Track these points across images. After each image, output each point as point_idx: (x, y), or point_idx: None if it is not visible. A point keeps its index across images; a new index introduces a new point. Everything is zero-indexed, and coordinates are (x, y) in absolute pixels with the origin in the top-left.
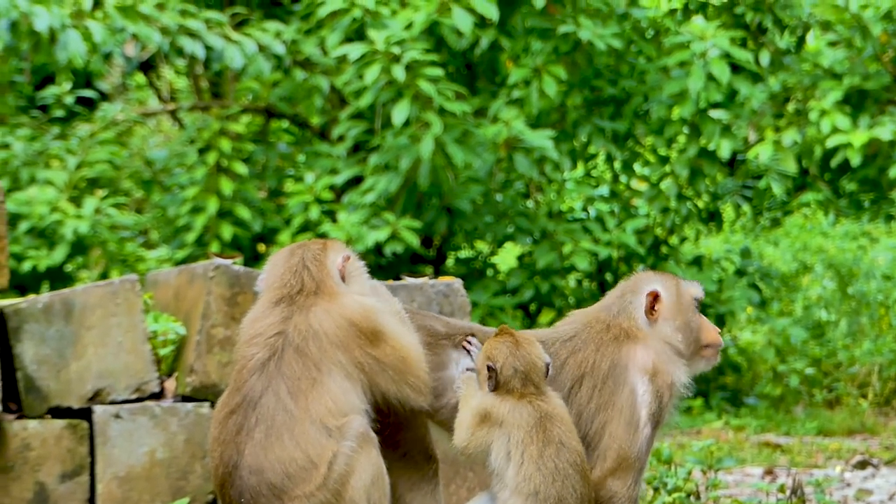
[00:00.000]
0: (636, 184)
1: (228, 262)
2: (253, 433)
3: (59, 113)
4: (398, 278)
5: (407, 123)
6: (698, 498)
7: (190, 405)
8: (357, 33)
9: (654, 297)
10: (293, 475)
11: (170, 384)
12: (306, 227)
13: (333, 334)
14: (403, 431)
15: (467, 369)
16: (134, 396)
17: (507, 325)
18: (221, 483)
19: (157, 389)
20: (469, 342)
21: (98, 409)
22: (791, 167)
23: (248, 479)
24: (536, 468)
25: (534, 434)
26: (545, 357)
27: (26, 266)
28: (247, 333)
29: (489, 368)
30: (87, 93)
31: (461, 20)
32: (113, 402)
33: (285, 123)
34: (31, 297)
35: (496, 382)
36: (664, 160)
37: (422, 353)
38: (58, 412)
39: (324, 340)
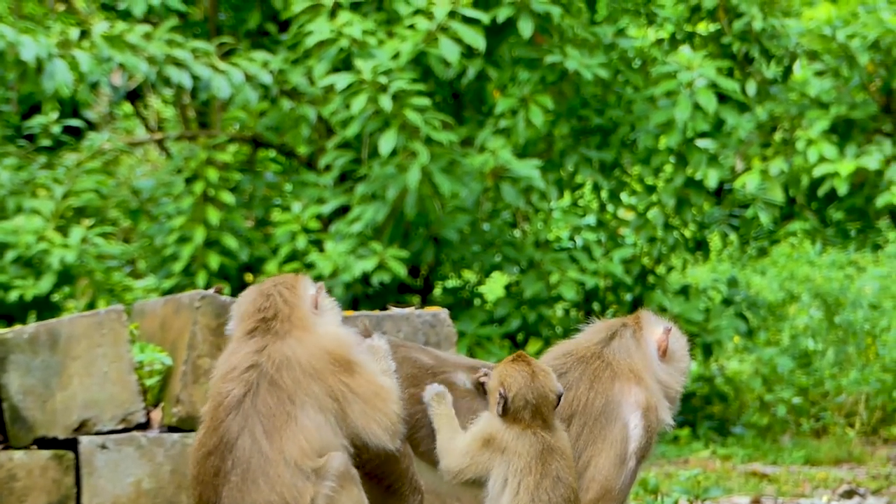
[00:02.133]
0: (623, 213)
1: (211, 291)
2: (229, 476)
3: (45, 142)
4: (384, 308)
5: (394, 153)
6: None
7: (176, 435)
8: (344, 63)
9: (668, 336)
10: None
11: (156, 414)
12: (293, 257)
13: (307, 363)
14: (388, 464)
15: (436, 391)
16: (120, 427)
17: (524, 353)
18: None
19: (143, 420)
20: (486, 374)
21: (84, 440)
22: (778, 196)
23: None
24: (531, 499)
25: (533, 465)
26: (558, 388)
27: (13, 296)
28: (221, 369)
29: (500, 395)
30: (74, 122)
31: (448, 50)
32: (99, 433)
33: (272, 153)
34: (17, 327)
35: (505, 410)
36: (651, 189)
37: (397, 395)
38: (43, 443)
39: (297, 370)
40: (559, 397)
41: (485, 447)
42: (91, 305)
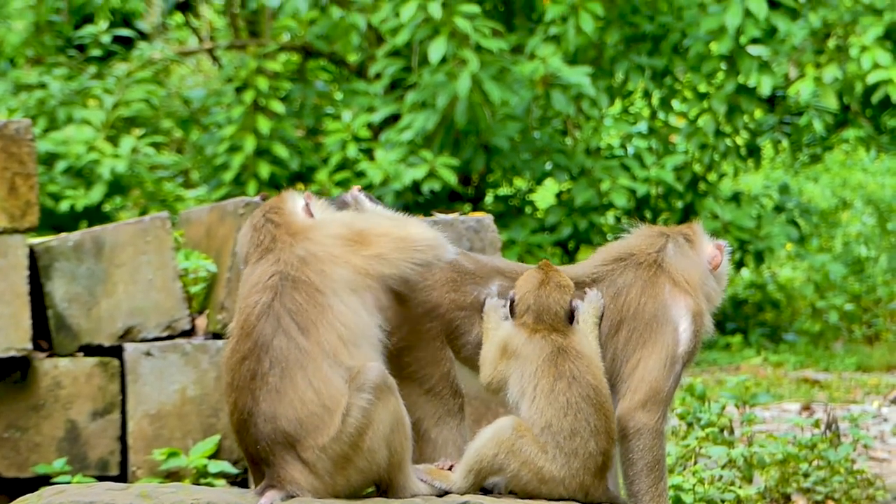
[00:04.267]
0: (674, 120)
1: (257, 199)
2: (267, 378)
3: (96, 52)
4: (429, 215)
5: (444, 61)
6: (732, 433)
7: (221, 342)
8: None
9: (722, 252)
10: (305, 422)
11: (201, 321)
12: (344, 166)
13: (324, 253)
14: (427, 366)
15: (491, 298)
16: (165, 334)
17: (548, 261)
18: (238, 429)
19: (187, 327)
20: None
21: (129, 347)
22: (832, 103)
23: (263, 427)
24: (548, 402)
25: (545, 368)
26: (567, 305)
27: (64, 206)
28: (244, 290)
29: (509, 297)
30: (125, 32)
31: None
32: (144, 340)
33: (322, 62)
34: (62, 234)
35: (512, 312)
36: (702, 96)
37: (416, 225)
38: (88, 350)
39: (315, 263)
40: (570, 313)
41: (502, 355)
42: (143, 215)
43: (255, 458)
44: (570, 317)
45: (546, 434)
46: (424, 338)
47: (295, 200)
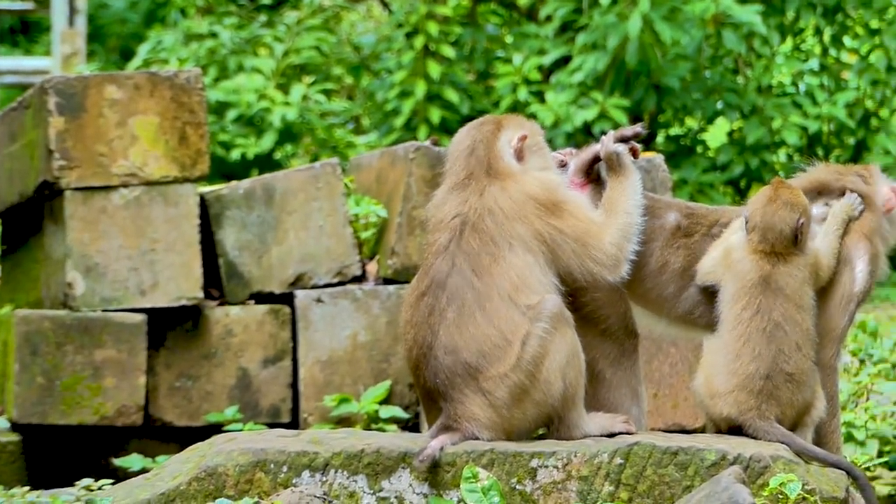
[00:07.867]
0: (846, 57)
1: (427, 143)
2: (445, 313)
3: (265, 1)
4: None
5: (614, 2)
6: None
7: (392, 287)
8: None
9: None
10: (488, 354)
11: (371, 267)
12: (515, 109)
13: (509, 208)
14: (604, 307)
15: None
16: (335, 280)
17: (782, 179)
18: (416, 364)
19: (358, 272)
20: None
21: (300, 294)
22: None
23: (443, 360)
24: (730, 327)
25: (741, 294)
26: (794, 224)
27: (235, 154)
28: (432, 221)
29: (745, 213)
30: None
31: None
32: (315, 287)
33: (493, 5)
34: (233, 183)
35: (746, 229)
36: (874, 32)
37: (606, 227)
38: (259, 297)
39: (499, 215)
40: (796, 231)
41: (724, 259)
42: (314, 162)
43: (432, 394)
44: (796, 237)
45: (717, 353)
46: None
47: (511, 133)
